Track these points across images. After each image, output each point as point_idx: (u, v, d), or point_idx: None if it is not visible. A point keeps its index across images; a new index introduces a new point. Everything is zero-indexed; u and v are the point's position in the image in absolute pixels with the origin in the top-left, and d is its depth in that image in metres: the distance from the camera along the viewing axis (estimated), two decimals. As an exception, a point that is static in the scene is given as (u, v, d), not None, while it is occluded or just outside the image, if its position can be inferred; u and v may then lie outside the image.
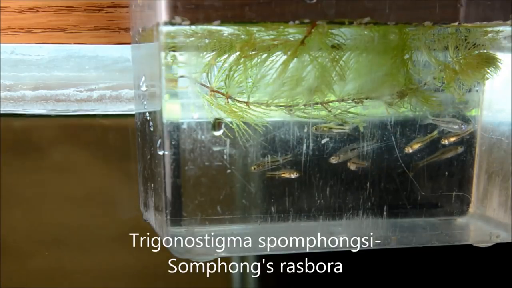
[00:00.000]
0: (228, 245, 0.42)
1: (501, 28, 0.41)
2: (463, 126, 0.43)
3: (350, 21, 0.36)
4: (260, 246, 0.43)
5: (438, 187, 0.44)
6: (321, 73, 0.39)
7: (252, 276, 0.60)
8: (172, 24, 0.35)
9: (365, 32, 0.39)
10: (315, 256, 0.58)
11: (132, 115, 0.50)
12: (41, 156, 0.54)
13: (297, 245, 0.43)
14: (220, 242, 0.42)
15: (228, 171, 0.41)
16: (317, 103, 0.40)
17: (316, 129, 0.41)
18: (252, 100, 0.40)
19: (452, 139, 0.44)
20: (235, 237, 0.42)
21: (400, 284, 0.62)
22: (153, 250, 0.57)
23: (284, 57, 0.38)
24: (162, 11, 0.35)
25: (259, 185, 0.42)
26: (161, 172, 0.39)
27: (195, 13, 0.35)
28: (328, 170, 0.42)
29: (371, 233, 0.43)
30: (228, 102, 0.40)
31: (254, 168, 0.41)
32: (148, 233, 0.47)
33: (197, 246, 0.41)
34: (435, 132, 0.43)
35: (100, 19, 0.48)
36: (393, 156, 0.43)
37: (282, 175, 0.42)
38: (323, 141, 0.42)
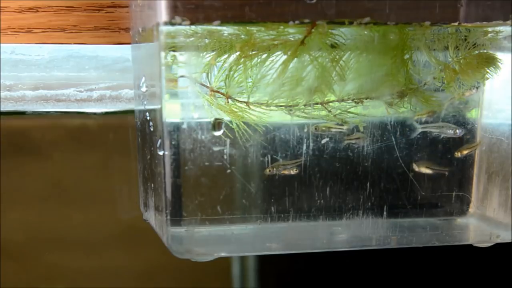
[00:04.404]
0: (228, 245, 0.42)
1: (501, 28, 0.41)
2: (458, 130, 0.43)
3: (350, 21, 0.36)
4: (260, 246, 0.43)
5: (438, 187, 0.44)
6: (321, 73, 0.39)
7: (252, 276, 0.60)
8: (172, 24, 0.35)
9: (365, 32, 0.39)
10: (315, 256, 0.58)
11: (132, 115, 0.50)
12: (41, 156, 0.54)
13: (297, 245, 0.43)
14: (220, 242, 0.42)
15: (228, 171, 0.41)
16: (317, 103, 0.40)
17: (316, 128, 0.41)
18: (252, 100, 0.40)
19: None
20: (235, 237, 0.42)
21: (400, 284, 0.62)
22: (153, 250, 0.57)
23: (284, 57, 0.38)
24: (162, 11, 0.35)
25: (259, 185, 0.42)
26: (161, 172, 0.39)
27: (195, 13, 0.35)
28: (328, 170, 0.42)
29: (371, 233, 0.43)
30: (228, 102, 0.40)
31: (270, 171, 0.41)
32: (148, 233, 0.47)
33: (197, 246, 0.41)
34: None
35: (100, 19, 0.48)
36: (393, 156, 0.43)
37: (282, 172, 0.42)
38: (323, 141, 0.42)
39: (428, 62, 0.41)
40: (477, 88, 0.43)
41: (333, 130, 0.41)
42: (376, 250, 0.43)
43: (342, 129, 0.42)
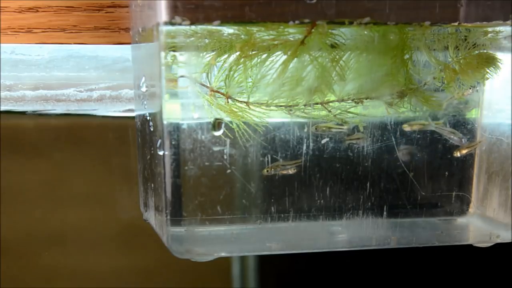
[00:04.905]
0: (228, 245, 0.42)
1: (501, 28, 0.41)
2: (463, 139, 0.43)
3: (350, 21, 0.36)
4: (260, 246, 0.43)
5: (438, 187, 0.44)
6: (321, 73, 0.39)
7: (252, 276, 0.60)
8: (172, 24, 0.35)
9: (365, 32, 0.39)
10: (315, 256, 0.58)
11: (132, 115, 0.50)
12: (41, 156, 0.54)
13: (297, 245, 0.43)
14: (220, 242, 0.42)
15: (228, 171, 0.41)
16: (317, 103, 0.40)
17: (316, 128, 0.41)
18: (252, 100, 0.40)
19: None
20: (235, 237, 0.42)
21: (400, 284, 0.62)
22: (153, 250, 0.57)
23: (284, 57, 0.38)
24: (162, 11, 0.35)
25: (259, 185, 0.42)
26: (161, 172, 0.39)
27: (195, 13, 0.35)
28: (328, 170, 0.42)
29: (371, 233, 0.43)
30: (228, 102, 0.40)
31: (267, 171, 0.41)
32: (148, 233, 0.47)
33: (197, 246, 0.41)
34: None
35: (100, 19, 0.48)
36: (393, 156, 0.43)
37: (280, 172, 0.42)
38: (323, 141, 0.42)
39: (428, 62, 0.41)
40: (474, 88, 0.43)
41: (334, 130, 0.42)
42: (376, 250, 0.43)
43: (343, 129, 0.42)
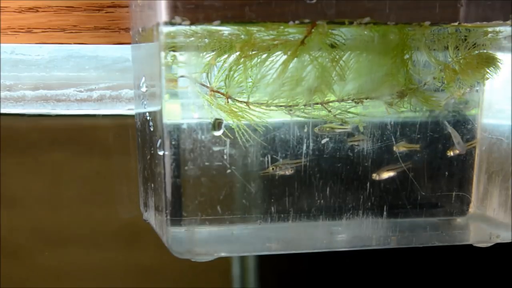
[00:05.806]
0: (228, 245, 0.42)
1: (501, 28, 0.41)
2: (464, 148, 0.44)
3: (350, 21, 0.36)
4: (260, 246, 0.43)
5: (438, 187, 0.44)
6: (321, 73, 0.39)
7: (252, 276, 0.60)
8: (172, 24, 0.35)
9: (365, 32, 0.39)
10: (315, 256, 0.58)
11: (132, 115, 0.50)
12: (41, 156, 0.54)
13: (297, 245, 0.43)
14: (220, 242, 0.42)
15: (228, 171, 0.41)
16: (317, 103, 0.40)
17: (319, 129, 0.41)
18: (252, 100, 0.40)
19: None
20: (235, 237, 0.42)
21: (400, 284, 0.62)
22: (153, 250, 0.57)
23: (284, 57, 0.38)
24: (162, 11, 0.35)
25: (259, 185, 0.42)
26: (161, 172, 0.39)
27: (195, 13, 0.35)
28: (328, 170, 0.42)
29: (371, 233, 0.43)
30: (228, 102, 0.40)
31: (273, 169, 0.41)
32: (148, 233, 0.47)
33: (197, 246, 0.41)
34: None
35: (100, 19, 0.48)
36: (393, 156, 0.43)
37: (279, 172, 0.42)
38: (323, 141, 0.42)
39: (428, 62, 0.41)
40: (472, 87, 0.43)
41: (337, 131, 0.42)
42: (376, 250, 0.43)
43: (347, 128, 0.42)
